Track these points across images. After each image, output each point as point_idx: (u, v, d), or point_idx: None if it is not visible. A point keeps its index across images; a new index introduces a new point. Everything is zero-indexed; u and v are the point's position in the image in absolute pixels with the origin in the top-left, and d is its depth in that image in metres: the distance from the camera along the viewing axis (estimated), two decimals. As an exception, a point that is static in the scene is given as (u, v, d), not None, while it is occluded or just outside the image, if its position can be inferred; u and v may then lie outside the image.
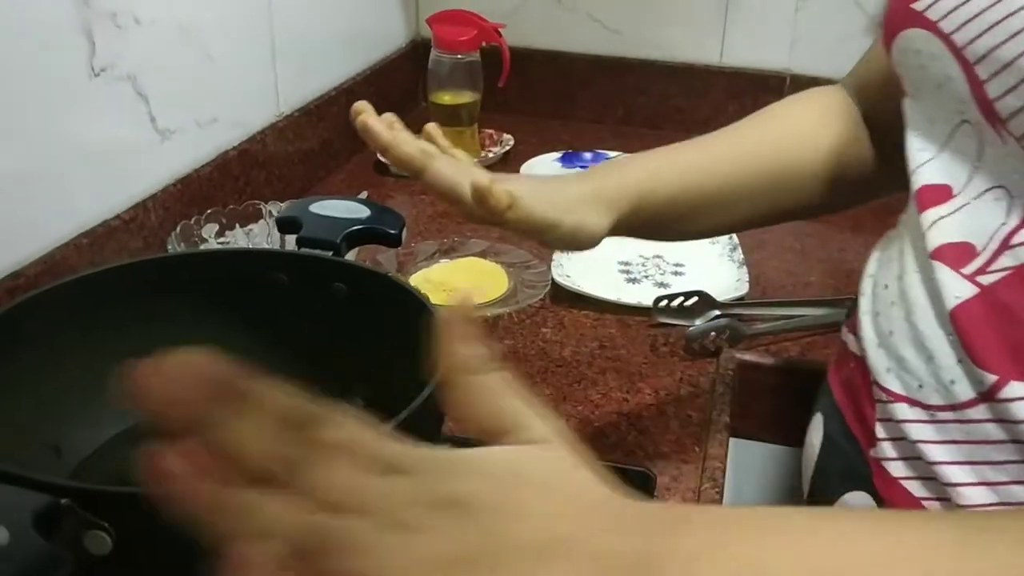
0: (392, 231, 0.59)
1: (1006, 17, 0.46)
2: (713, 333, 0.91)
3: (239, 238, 1.00)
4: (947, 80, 0.51)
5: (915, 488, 0.53)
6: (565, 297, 0.99)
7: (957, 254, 0.51)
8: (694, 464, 0.76)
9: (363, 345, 0.56)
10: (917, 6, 0.52)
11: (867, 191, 0.73)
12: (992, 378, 0.48)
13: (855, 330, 0.61)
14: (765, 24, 1.41)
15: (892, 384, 0.55)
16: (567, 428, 0.36)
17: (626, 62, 1.49)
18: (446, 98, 1.33)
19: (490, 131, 1.42)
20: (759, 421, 0.94)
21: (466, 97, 1.33)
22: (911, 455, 0.53)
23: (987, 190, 0.51)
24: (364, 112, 0.59)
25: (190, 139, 1.00)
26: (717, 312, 0.96)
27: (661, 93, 1.49)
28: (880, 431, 0.55)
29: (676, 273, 1.06)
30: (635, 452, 0.78)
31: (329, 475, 0.29)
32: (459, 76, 1.32)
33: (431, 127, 0.65)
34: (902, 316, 0.55)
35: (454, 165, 0.60)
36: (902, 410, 0.54)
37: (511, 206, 0.56)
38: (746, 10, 1.42)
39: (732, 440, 0.97)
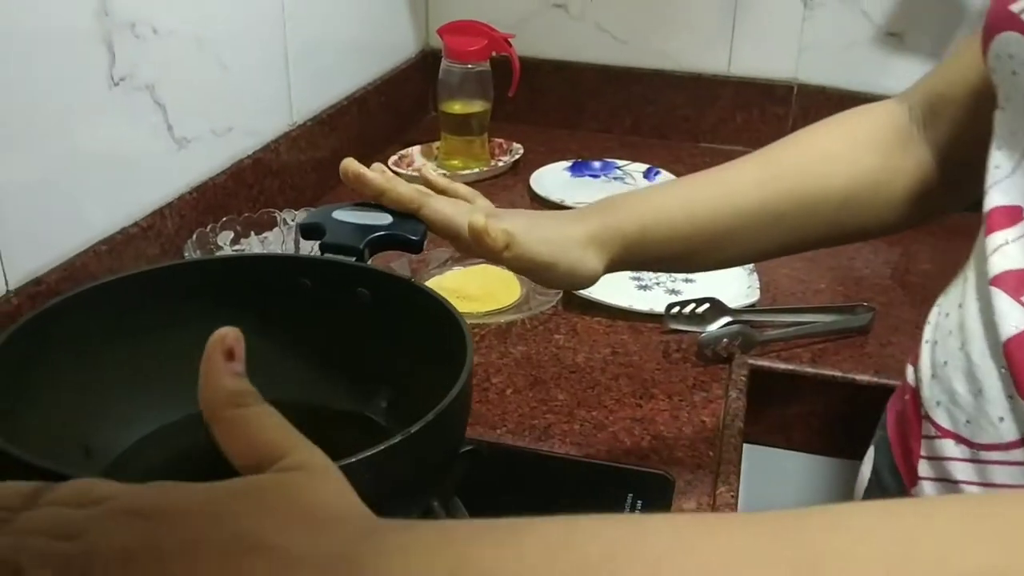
0: (414, 237, 0.59)
1: None
2: (725, 339, 0.91)
3: (254, 245, 1.00)
4: None
5: None
6: (577, 304, 1.00)
7: (1019, 281, 0.48)
8: (708, 469, 0.77)
9: (387, 349, 0.57)
10: (1015, 7, 0.49)
11: (911, 216, 0.65)
12: None
13: (915, 360, 0.59)
14: (772, 33, 1.43)
15: (941, 419, 0.53)
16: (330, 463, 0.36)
17: (634, 72, 1.50)
18: (456, 107, 1.34)
19: (500, 140, 1.43)
20: (772, 426, 0.94)
21: (476, 107, 1.34)
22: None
23: None
24: (352, 164, 0.62)
25: (206, 147, 1.01)
26: (729, 319, 0.97)
27: (669, 102, 1.50)
28: (924, 469, 0.54)
29: (687, 281, 1.07)
30: (650, 456, 0.78)
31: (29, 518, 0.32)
32: (469, 86, 1.33)
33: (427, 171, 0.68)
34: (957, 346, 0.52)
35: (452, 204, 0.62)
36: (948, 447, 0.52)
37: (508, 246, 0.58)
38: (753, 19, 1.43)
39: (745, 446, 0.98)
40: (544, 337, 0.95)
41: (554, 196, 1.27)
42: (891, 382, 0.89)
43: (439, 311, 0.54)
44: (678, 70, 1.48)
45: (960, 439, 0.51)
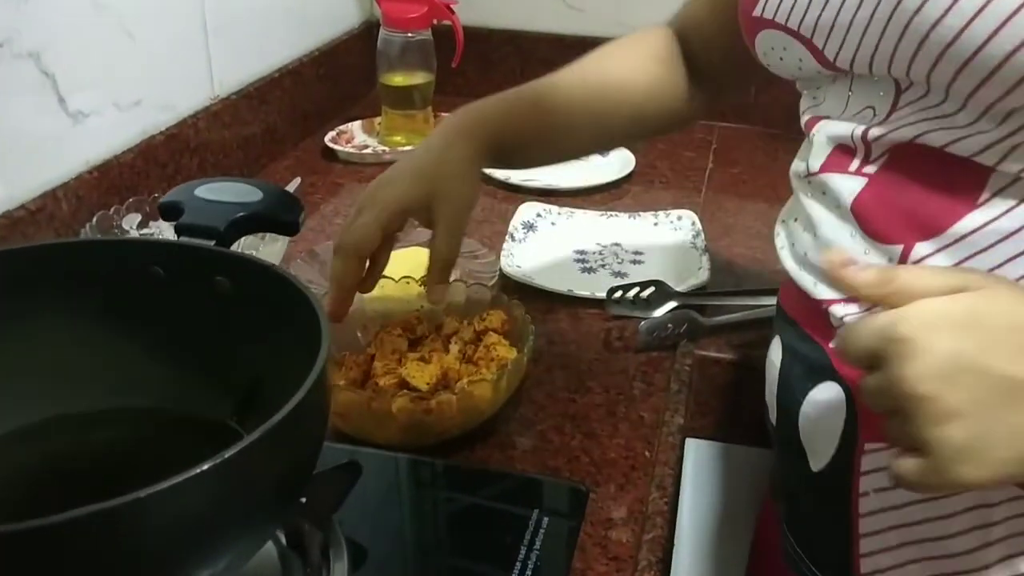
0: (288, 218, 0.52)
1: None
2: (670, 326, 0.84)
3: (164, 229, 0.92)
4: (799, 63, 0.60)
5: None
6: (514, 289, 0.92)
7: (839, 161, 0.59)
8: (642, 471, 0.70)
9: (247, 345, 0.50)
10: (756, 12, 0.61)
11: (678, 121, 0.86)
12: (898, 249, 0.55)
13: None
14: None
15: (823, 294, 0.60)
16: None
17: (589, 41, 1.41)
18: (397, 79, 1.26)
19: (446, 114, 1.34)
20: (718, 420, 0.87)
21: (419, 78, 1.26)
22: None
23: (859, 112, 0.58)
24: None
25: (108, 123, 0.93)
26: (676, 303, 0.90)
27: (626, 73, 1.42)
28: (834, 323, 0.60)
29: (635, 262, 0.99)
30: (579, 458, 0.71)
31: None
32: (410, 56, 1.25)
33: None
34: (811, 238, 0.62)
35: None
36: (840, 309, 0.59)
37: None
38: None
39: (690, 441, 0.91)
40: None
41: (499, 173, 1.19)
42: (847, 371, 0.82)
43: (300, 301, 0.46)
44: (635, 39, 1.40)
45: (846, 300, 0.59)
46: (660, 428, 0.74)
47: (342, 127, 1.30)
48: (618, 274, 0.97)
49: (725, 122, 1.38)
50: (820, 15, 0.56)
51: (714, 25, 0.80)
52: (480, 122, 0.76)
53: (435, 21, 1.25)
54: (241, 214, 0.51)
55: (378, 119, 1.31)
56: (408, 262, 0.97)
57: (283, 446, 0.41)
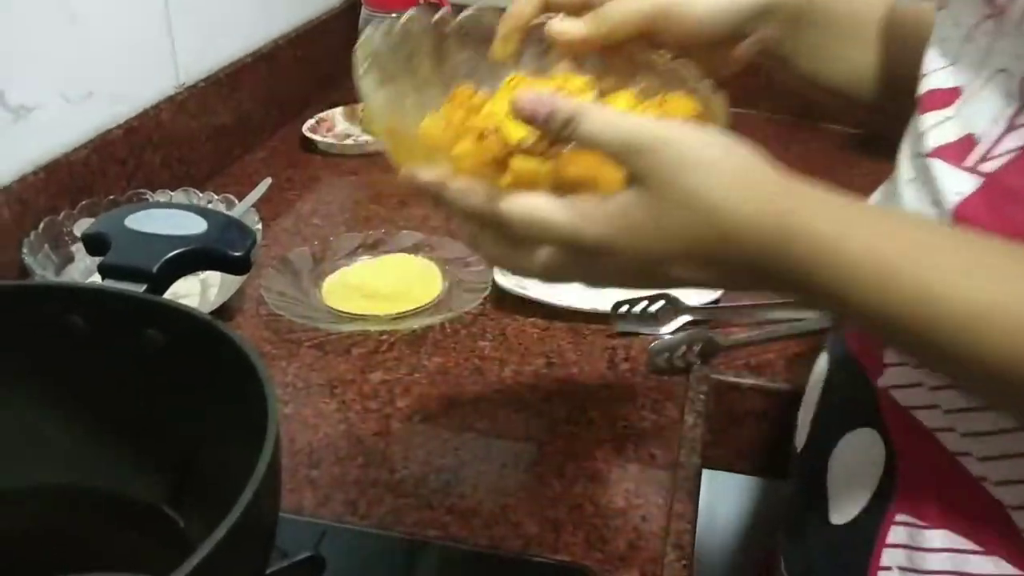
0: (235, 253, 0.43)
1: None
2: (683, 347, 0.76)
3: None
4: None
5: (924, 417, 0.50)
6: (509, 302, 0.84)
7: (956, 150, 0.48)
8: (656, 524, 0.61)
9: (181, 412, 0.41)
10: None
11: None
12: None
13: None
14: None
15: None
16: None
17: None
18: (381, 63, 1.16)
19: (435, 100, 1.25)
20: (736, 449, 0.79)
21: (404, 62, 1.16)
22: (916, 381, 0.50)
23: (989, 80, 0.48)
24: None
25: (55, 117, 0.83)
26: (687, 318, 0.81)
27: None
28: (888, 356, 0.52)
29: (641, 268, 0.90)
30: (583, 507, 0.63)
31: None
32: (395, 38, 1.15)
33: None
34: None
35: None
36: None
37: None
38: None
39: (704, 472, 0.83)
40: (467, 345, 0.79)
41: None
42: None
43: (244, 367, 0.37)
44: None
45: None
46: (676, 471, 0.66)
47: (322, 114, 1.20)
48: (623, 283, 0.88)
49: (734, 108, 1.29)
50: None
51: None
52: None
53: (420, 0, 1.15)
54: (178, 251, 0.42)
55: (361, 105, 1.21)
56: (394, 269, 0.88)
57: (229, 559, 0.32)
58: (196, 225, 0.44)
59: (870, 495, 0.53)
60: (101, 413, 0.42)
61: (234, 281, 0.80)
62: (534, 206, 0.42)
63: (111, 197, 0.86)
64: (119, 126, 0.91)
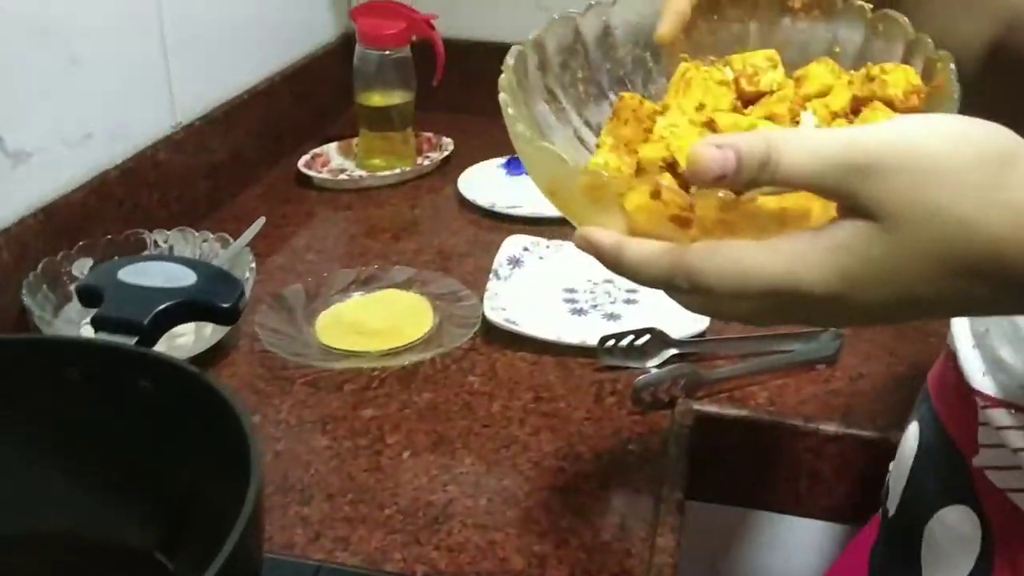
0: (224, 305, 0.44)
1: None
2: (668, 382, 0.77)
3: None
4: None
5: (1020, 501, 0.49)
6: (499, 336, 0.85)
7: None
8: (639, 558, 0.63)
9: (171, 460, 0.42)
10: None
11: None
12: None
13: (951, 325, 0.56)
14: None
15: (988, 388, 0.51)
16: None
17: (579, 54, 1.35)
18: (375, 99, 1.19)
19: (428, 135, 1.27)
20: (720, 482, 0.81)
21: (397, 97, 1.19)
22: (1014, 464, 0.50)
23: None
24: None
25: (54, 160, 0.85)
26: (674, 351, 0.83)
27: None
28: (983, 437, 0.51)
29: (629, 301, 0.92)
30: (568, 541, 0.64)
31: None
32: (387, 74, 1.18)
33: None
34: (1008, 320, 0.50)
35: None
36: (1001, 416, 0.50)
37: None
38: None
39: (688, 503, 0.84)
40: (456, 380, 0.81)
41: (483, 200, 1.12)
42: (862, 433, 0.76)
43: (227, 414, 0.39)
44: (627, 51, 1.33)
45: (1014, 407, 0.49)
46: (658, 506, 0.67)
47: (317, 150, 1.23)
48: (611, 316, 0.90)
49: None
50: None
51: None
52: None
53: (414, 37, 1.18)
54: (168, 303, 0.44)
55: (356, 140, 1.23)
56: (386, 305, 0.90)
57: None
58: (186, 277, 0.45)
59: (967, 573, 0.52)
60: (95, 462, 0.44)
61: (229, 319, 0.82)
62: (735, 259, 0.36)
63: (108, 237, 0.88)
64: (116, 167, 0.93)
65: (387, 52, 1.17)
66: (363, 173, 1.19)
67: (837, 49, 0.45)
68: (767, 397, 0.80)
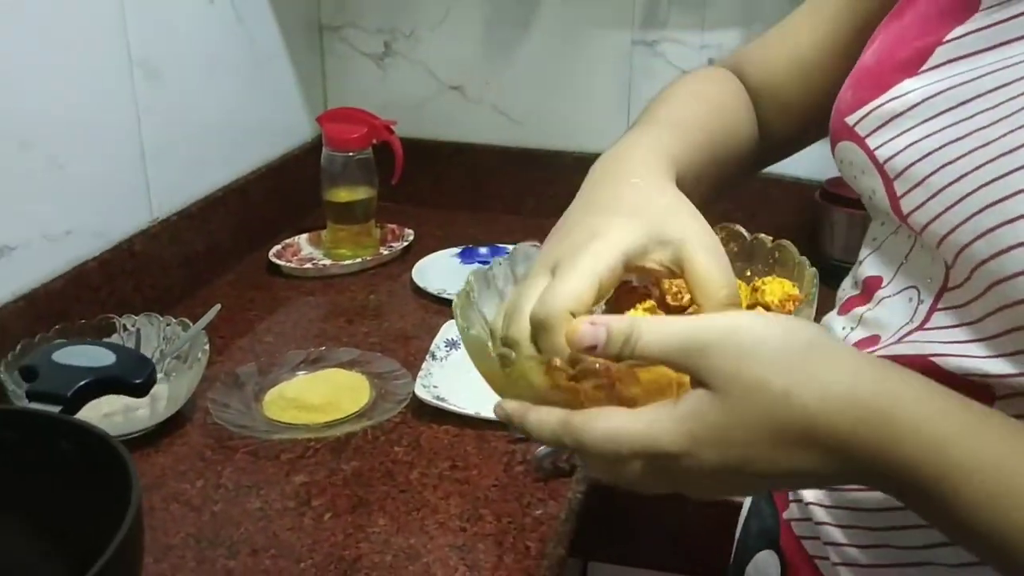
0: (136, 381, 0.54)
1: (924, 138, 0.50)
2: (567, 452, 0.86)
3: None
4: (872, 193, 0.54)
5: (808, 546, 0.59)
6: (427, 411, 0.95)
7: (862, 346, 0.55)
8: (517, 607, 0.71)
9: (89, 514, 0.52)
10: (850, 120, 0.55)
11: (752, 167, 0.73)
12: None
13: None
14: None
15: None
16: None
17: (532, 153, 1.47)
18: (342, 195, 1.30)
19: (392, 226, 1.39)
20: (620, 541, 0.88)
21: (361, 193, 1.31)
22: (807, 516, 0.59)
23: (903, 289, 0.54)
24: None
25: (35, 254, 0.96)
26: (582, 425, 0.91)
27: (569, 182, 1.45)
28: (793, 495, 0.61)
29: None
30: (459, 592, 0.72)
31: None
32: (353, 173, 1.29)
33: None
34: None
35: None
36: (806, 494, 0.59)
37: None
38: (647, 98, 1.39)
39: (593, 565, 0.92)
40: (383, 450, 0.90)
41: (433, 287, 1.22)
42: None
43: (122, 478, 0.48)
44: (576, 150, 1.45)
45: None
46: (542, 560, 0.75)
47: (289, 240, 1.34)
48: (533, 393, 0.99)
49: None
50: (914, 164, 0.50)
51: (796, 91, 0.70)
52: (665, 156, 0.59)
53: (375, 140, 1.30)
54: (88, 379, 0.54)
55: (324, 231, 1.35)
56: (328, 382, 0.99)
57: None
58: (107, 358, 0.56)
59: None
60: (22, 510, 0.53)
61: (182, 395, 0.92)
62: (606, 421, 0.43)
63: (83, 321, 0.98)
64: (94, 258, 1.04)
65: (351, 154, 1.29)
66: (328, 262, 1.30)
67: (748, 272, 0.55)
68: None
